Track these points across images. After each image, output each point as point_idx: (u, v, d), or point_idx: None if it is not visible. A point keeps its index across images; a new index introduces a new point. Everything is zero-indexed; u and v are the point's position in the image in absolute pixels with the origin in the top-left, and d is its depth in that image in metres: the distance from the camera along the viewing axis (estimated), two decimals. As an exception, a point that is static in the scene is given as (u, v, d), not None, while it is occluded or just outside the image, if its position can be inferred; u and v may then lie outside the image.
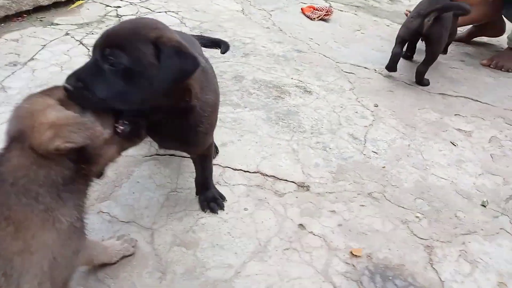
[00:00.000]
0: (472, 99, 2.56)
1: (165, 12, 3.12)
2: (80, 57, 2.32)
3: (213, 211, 1.48)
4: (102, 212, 1.40)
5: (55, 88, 0.95)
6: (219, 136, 1.85)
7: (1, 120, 1.76)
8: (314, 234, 1.46)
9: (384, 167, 1.84)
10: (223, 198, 1.53)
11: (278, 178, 1.67)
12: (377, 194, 1.69)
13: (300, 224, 1.49)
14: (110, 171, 1.55)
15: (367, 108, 2.29)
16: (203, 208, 1.49)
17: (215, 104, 1.26)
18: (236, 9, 3.40)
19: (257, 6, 3.54)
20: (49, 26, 2.66)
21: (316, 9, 3.60)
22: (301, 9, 3.64)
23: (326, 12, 3.56)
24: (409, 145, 2.03)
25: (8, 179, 0.81)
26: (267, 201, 1.56)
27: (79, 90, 0.91)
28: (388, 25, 3.67)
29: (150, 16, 3.01)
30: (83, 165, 0.88)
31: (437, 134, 2.16)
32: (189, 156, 1.68)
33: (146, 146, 1.72)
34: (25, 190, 0.81)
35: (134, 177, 1.55)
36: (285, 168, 1.73)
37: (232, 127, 1.93)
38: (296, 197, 1.60)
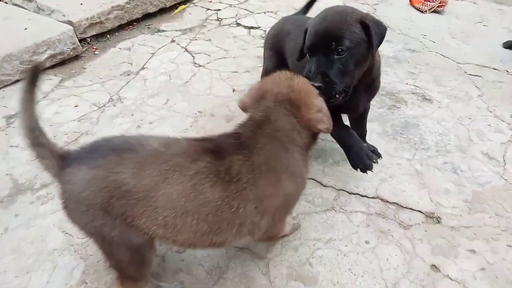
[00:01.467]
0: None
1: (264, 13, 3.04)
2: (186, 65, 2.34)
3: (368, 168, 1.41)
4: (216, 235, 1.36)
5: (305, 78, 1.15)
6: (328, 152, 1.71)
7: (119, 130, 1.84)
8: (451, 279, 1.24)
9: (533, 196, 1.52)
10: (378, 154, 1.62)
11: (401, 206, 1.47)
12: (527, 232, 1.40)
13: (433, 265, 1.28)
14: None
15: (502, 119, 1.94)
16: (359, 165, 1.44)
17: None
18: (336, 5, 3.18)
19: (359, 0, 3.27)
20: (156, 33, 2.75)
21: (428, 0, 3.21)
22: (410, 0, 3.28)
23: (440, 3, 3.14)
24: None
25: (276, 134, 1.04)
26: (391, 233, 1.38)
27: (326, 85, 1.16)
28: (517, 14, 3.13)
29: (249, 17, 2.96)
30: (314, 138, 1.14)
31: None
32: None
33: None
34: (285, 148, 1.04)
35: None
36: (409, 194, 1.52)
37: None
38: (425, 231, 1.39)
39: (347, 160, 1.66)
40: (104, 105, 2.01)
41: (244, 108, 1.16)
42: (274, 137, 1.03)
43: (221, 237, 0.99)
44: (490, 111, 2.00)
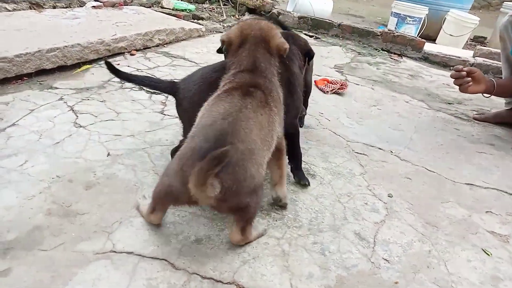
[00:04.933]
0: (506, 192, 2.18)
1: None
2: (64, 125, 2.15)
3: None
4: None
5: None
6: (193, 230, 1.54)
7: None
8: None
9: (397, 282, 1.45)
10: None
11: (257, 293, 1.31)
12: (386, 323, 1.29)
13: None
14: (46, 273, 1.25)
15: (379, 198, 1.95)
16: None
17: None
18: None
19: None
20: (46, 90, 2.56)
21: (330, 82, 3.44)
22: (314, 81, 3.47)
23: (341, 85, 3.38)
24: (429, 251, 1.65)
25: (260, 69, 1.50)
26: (237, 327, 1.19)
27: None
28: (407, 102, 3.44)
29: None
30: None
31: (465, 237, 1.77)
32: (150, 256, 1.37)
33: (102, 239, 1.42)
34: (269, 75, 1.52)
35: (72, 284, 1.24)
36: (269, 279, 1.37)
37: (213, 217, 1.62)
38: (277, 324, 1.23)
39: (211, 237, 1.51)
40: None
41: (229, 43, 1.56)
42: (263, 69, 1.50)
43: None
44: (370, 190, 2.01)
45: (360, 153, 2.37)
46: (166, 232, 1.51)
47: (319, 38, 5.31)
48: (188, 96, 1.71)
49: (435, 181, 2.21)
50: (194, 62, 3.51)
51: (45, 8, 3.76)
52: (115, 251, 1.38)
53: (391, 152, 2.46)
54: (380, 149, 2.48)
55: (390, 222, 1.79)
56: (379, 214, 1.83)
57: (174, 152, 1.80)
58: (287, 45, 1.55)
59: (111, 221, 1.52)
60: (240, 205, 1.30)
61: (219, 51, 1.68)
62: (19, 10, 3.56)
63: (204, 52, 3.84)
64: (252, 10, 5.84)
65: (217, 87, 1.54)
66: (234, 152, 1.21)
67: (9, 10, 3.45)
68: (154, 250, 1.41)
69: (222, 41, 1.58)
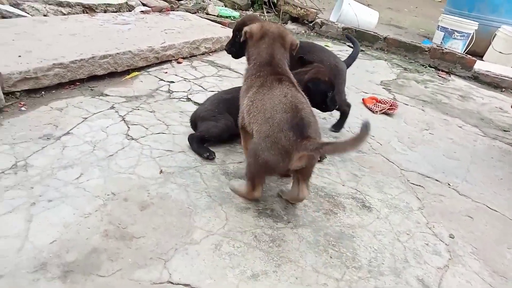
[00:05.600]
0: None
1: (218, 91, 2.97)
2: (117, 136, 2.14)
3: None
4: None
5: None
6: (249, 263, 1.48)
7: (6, 206, 1.54)
8: None
9: None
10: None
11: None
12: None
13: None
14: (106, 303, 1.22)
15: (440, 239, 1.82)
16: None
17: None
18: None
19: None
20: (97, 97, 2.58)
21: (379, 101, 3.31)
22: (363, 99, 3.36)
23: (390, 106, 3.24)
24: (501, 306, 1.51)
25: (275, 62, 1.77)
26: None
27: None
28: (460, 127, 3.25)
29: (202, 94, 2.87)
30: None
31: (539, 292, 1.62)
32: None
33: (159, 268, 1.38)
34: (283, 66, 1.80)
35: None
36: (331, 327, 1.29)
37: (269, 250, 1.55)
38: None
39: (268, 273, 1.44)
40: (2, 172, 1.72)
41: (251, 35, 1.79)
42: (278, 61, 1.77)
43: None
44: (429, 228, 1.89)
45: (416, 185, 2.24)
46: (222, 264, 1.45)
47: (363, 50, 5.16)
48: (208, 109, 2.25)
49: (498, 221, 2.05)
50: (239, 73, 3.46)
51: (97, 12, 3.82)
52: (171, 282, 1.34)
53: (449, 184, 2.31)
54: (437, 180, 2.33)
55: (454, 268, 1.66)
56: (442, 258, 1.71)
57: (192, 137, 2.17)
58: (298, 41, 1.84)
59: (166, 247, 1.48)
60: (315, 161, 1.66)
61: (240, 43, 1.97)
62: (73, 14, 3.63)
63: (249, 62, 3.79)
64: (295, 19, 5.76)
65: (228, 104, 2.16)
66: (309, 115, 1.59)
67: (64, 14, 3.52)
68: (210, 284, 1.36)
69: (245, 32, 1.81)
